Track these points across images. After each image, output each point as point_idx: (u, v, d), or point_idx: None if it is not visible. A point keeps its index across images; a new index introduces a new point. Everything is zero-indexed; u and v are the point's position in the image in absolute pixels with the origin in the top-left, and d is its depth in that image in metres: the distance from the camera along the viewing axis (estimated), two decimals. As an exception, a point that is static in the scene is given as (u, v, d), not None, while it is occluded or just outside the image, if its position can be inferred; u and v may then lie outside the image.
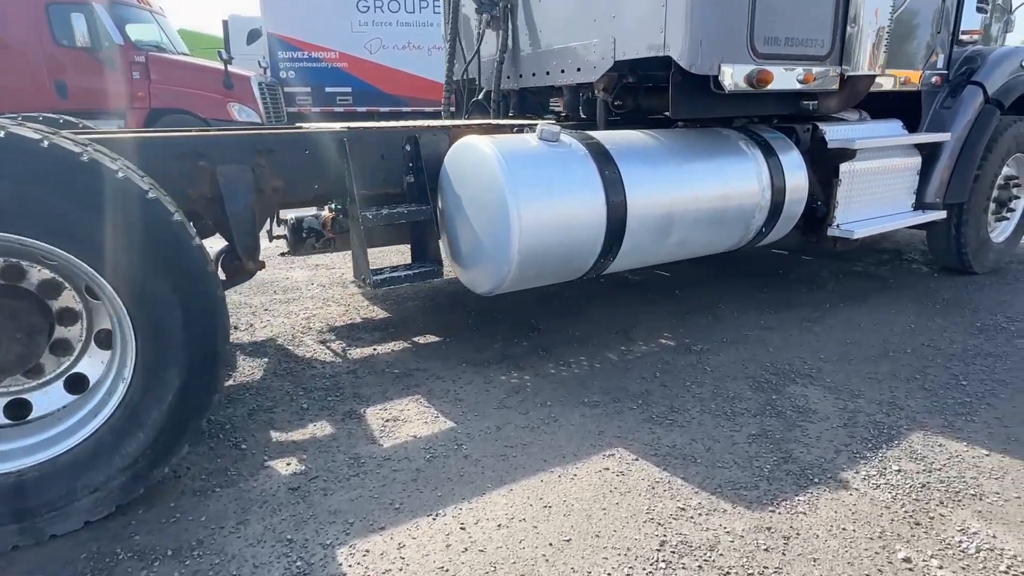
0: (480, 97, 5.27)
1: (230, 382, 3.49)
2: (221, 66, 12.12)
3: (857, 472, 2.64)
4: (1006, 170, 5.48)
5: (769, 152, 4.11)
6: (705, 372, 3.60)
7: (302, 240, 4.02)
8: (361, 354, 3.88)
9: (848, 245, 4.47)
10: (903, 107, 5.10)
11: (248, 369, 3.66)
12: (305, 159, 3.38)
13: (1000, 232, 5.74)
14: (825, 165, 4.45)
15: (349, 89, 15.93)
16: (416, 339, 4.12)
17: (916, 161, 4.96)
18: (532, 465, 2.70)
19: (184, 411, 2.36)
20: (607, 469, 2.67)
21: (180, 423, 2.37)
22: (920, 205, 5.10)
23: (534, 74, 4.69)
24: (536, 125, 3.49)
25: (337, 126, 3.70)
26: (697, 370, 3.63)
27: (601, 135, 3.59)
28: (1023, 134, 5.38)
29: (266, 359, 3.80)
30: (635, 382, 3.48)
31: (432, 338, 4.15)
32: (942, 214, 5.04)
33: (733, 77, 3.54)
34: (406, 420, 3.09)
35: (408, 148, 3.64)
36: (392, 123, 4.00)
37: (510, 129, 3.90)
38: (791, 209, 4.23)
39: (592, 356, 3.83)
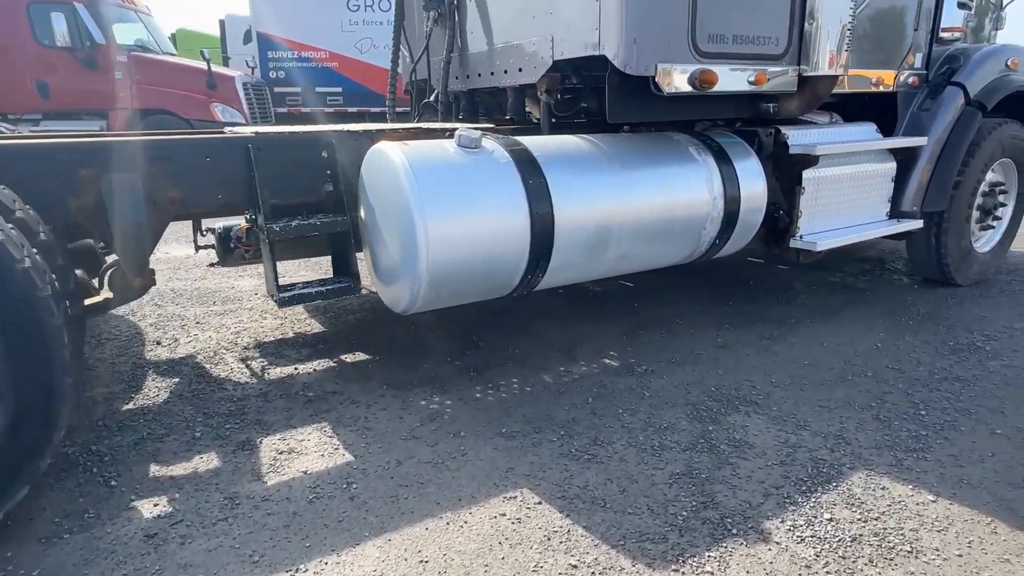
0: (432, 99, 5.01)
1: (129, 406, 3.25)
2: (205, 66, 11.95)
3: (783, 521, 2.36)
4: (990, 176, 5.15)
5: (723, 158, 3.83)
6: (642, 398, 3.32)
7: (230, 250, 3.78)
8: (280, 374, 3.63)
9: (812, 257, 4.18)
10: (881, 109, 4.80)
11: (153, 390, 3.42)
12: (206, 167, 3.13)
13: (985, 242, 5.41)
14: (789, 172, 4.16)
15: (340, 89, 15.70)
16: (344, 357, 3.86)
17: (891, 167, 4.65)
18: (422, 509, 2.44)
19: (16, 452, 2.12)
20: (503, 515, 2.40)
21: (12, 466, 2.12)
22: (896, 214, 4.80)
23: (480, 74, 4.43)
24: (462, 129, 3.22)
25: (272, 130, 3.48)
26: (634, 395, 3.35)
27: (530, 140, 3.32)
28: (1008, 138, 5.05)
29: (177, 379, 3.56)
30: (564, 409, 3.21)
31: (362, 356, 3.89)
32: (919, 223, 4.73)
33: (672, 78, 3.26)
34: (302, 452, 2.83)
35: (325, 155, 3.38)
36: (311, 127, 3.74)
37: (440, 133, 3.63)
38: (748, 219, 3.94)
39: (526, 378, 3.56)
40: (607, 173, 3.39)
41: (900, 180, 4.76)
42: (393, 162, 2.92)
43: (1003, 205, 5.36)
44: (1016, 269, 5.83)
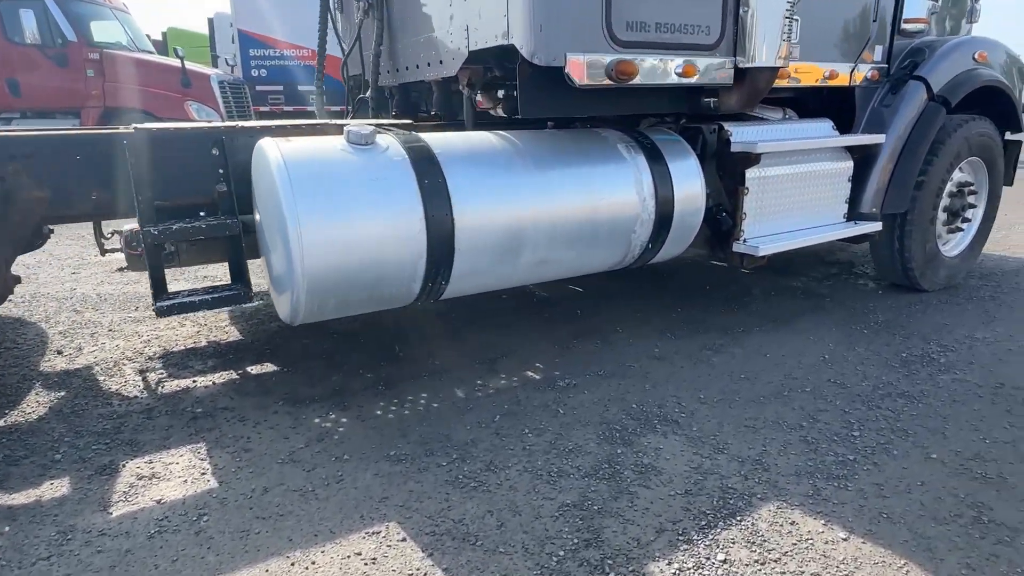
0: (367, 94, 4.76)
1: (0, 423, 3.02)
2: (179, 64, 11.75)
3: (669, 563, 2.10)
4: (958, 176, 4.88)
5: (656, 157, 3.57)
6: (555, 415, 3.06)
7: (139, 255, 3.53)
8: (175, 387, 3.39)
9: (756, 263, 3.91)
10: (841, 105, 4.53)
11: (32, 406, 3.18)
12: (76, 165, 2.89)
13: (954, 245, 5.13)
14: (732, 171, 3.90)
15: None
16: (251, 368, 3.62)
17: (847, 166, 4.38)
18: (271, 546, 2.19)
19: None
20: (359, 554, 2.15)
21: None
22: (855, 215, 4.53)
23: (407, 68, 4.18)
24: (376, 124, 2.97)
25: (156, 126, 3.23)
26: (548, 412, 3.09)
27: (434, 137, 3.06)
28: (976, 136, 4.77)
29: (63, 393, 3.32)
30: (466, 428, 2.95)
31: (269, 368, 3.64)
32: (877, 226, 4.46)
33: (585, 69, 2.99)
34: (164, 478, 2.58)
35: (216, 152, 3.13)
36: (202, 123, 3.49)
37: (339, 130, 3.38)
38: (684, 222, 3.68)
39: (436, 393, 3.30)
40: (520, 172, 3.14)
41: (858, 180, 4.50)
42: (268, 159, 2.67)
43: (972, 206, 5.08)
44: (990, 274, 5.55)
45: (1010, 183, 5.44)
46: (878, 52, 4.47)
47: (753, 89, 3.57)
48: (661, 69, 3.20)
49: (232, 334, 4.16)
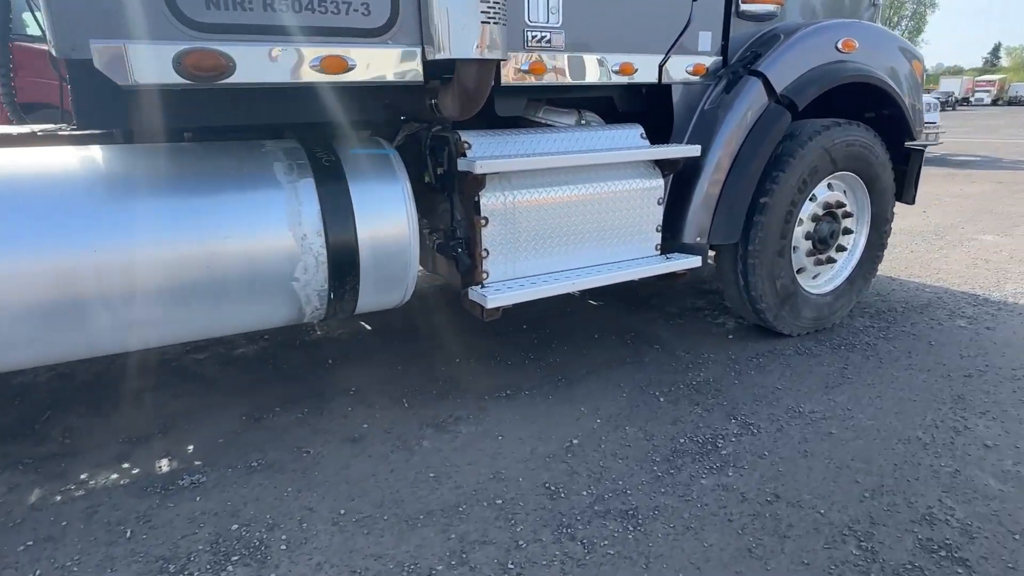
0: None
1: None
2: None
3: None
4: (825, 195, 3.90)
5: (332, 179, 2.69)
6: (115, 542, 2.22)
7: None
8: None
9: (492, 315, 3.01)
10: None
11: None
12: None
13: (826, 279, 4.16)
14: (466, 195, 3.01)
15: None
16: None
17: (655, 185, 3.45)
18: None
19: None
20: None
21: None
22: (675, 247, 3.60)
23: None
24: None
25: None
26: (110, 535, 2.25)
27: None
28: (842, 145, 3.79)
29: None
30: (-35, 564, 2.12)
31: None
32: (695, 261, 3.52)
33: (133, 64, 2.12)
34: None
35: None
36: None
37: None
38: (383, 262, 2.81)
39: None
40: (79, 206, 2.29)
41: (676, 203, 3.57)
42: None
43: (848, 232, 4.09)
44: (889, 310, 4.56)
45: (910, 201, 4.44)
46: (704, 40, 3.54)
47: (464, 90, 2.66)
48: (283, 62, 2.32)
49: None
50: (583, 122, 3.54)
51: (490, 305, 2.88)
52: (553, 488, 2.52)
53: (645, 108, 3.66)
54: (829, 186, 3.94)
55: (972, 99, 59.83)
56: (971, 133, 23.46)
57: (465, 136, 2.99)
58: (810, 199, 3.85)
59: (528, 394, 3.29)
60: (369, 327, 4.22)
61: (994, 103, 59.34)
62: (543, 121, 3.46)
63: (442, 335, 4.02)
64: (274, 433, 2.93)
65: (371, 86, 2.59)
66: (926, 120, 13.60)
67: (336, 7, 2.37)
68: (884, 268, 5.59)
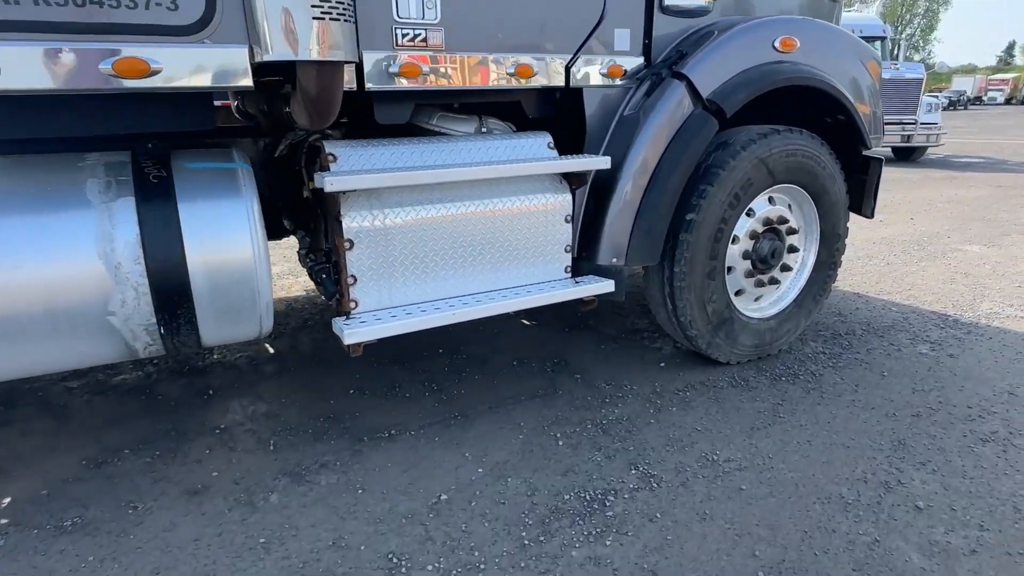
0: None
1: None
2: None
3: None
4: (764, 210, 3.51)
5: (158, 198, 2.34)
6: None
7: None
8: None
9: (355, 352, 2.65)
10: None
11: None
12: None
13: (770, 302, 3.77)
14: (327, 214, 2.66)
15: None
16: None
17: (560, 201, 3.09)
18: None
19: None
20: None
21: None
22: (588, 268, 3.23)
23: None
24: None
25: None
26: None
27: None
28: (781, 156, 3.40)
29: None
30: None
31: None
32: (608, 286, 3.15)
33: None
34: None
35: None
36: None
37: None
38: (225, 291, 2.45)
39: None
40: None
41: (590, 220, 3.21)
42: None
43: (794, 250, 3.71)
44: (848, 333, 4.18)
45: (869, 215, 4.05)
46: (622, 39, 3.17)
47: (308, 98, 2.30)
48: (63, 65, 1.97)
49: None
50: (484, 130, 3.17)
51: (347, 341, 2.52)
52: (396, 560, 2.16)
53: (561, 114, 3.29)
54: (771, 200, 3.56)
55: (985, 98, 58.74)
56: (978, 134, 22.84)
57: (331, 147, 2.64)
58: (747, 214, 3.47)
59: (412, 435, 2.94)
60: (272, 350, 3.88)
61: (1007, 102, 58.25)
62: (437, 129, 3.10)
63: (346, 361, 3.67)
64: (109, 483, 2.59)
65: (190, 92, 2.24)
66: (927, 121, 13.20)
67: (132, 1, 2.02)
68: (853, 284, 5.21)
